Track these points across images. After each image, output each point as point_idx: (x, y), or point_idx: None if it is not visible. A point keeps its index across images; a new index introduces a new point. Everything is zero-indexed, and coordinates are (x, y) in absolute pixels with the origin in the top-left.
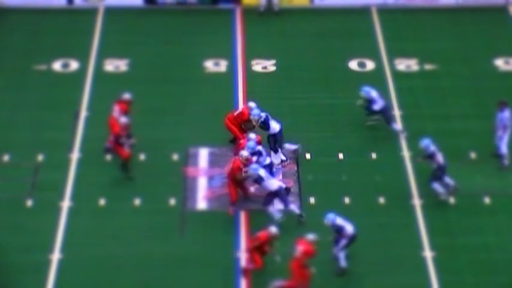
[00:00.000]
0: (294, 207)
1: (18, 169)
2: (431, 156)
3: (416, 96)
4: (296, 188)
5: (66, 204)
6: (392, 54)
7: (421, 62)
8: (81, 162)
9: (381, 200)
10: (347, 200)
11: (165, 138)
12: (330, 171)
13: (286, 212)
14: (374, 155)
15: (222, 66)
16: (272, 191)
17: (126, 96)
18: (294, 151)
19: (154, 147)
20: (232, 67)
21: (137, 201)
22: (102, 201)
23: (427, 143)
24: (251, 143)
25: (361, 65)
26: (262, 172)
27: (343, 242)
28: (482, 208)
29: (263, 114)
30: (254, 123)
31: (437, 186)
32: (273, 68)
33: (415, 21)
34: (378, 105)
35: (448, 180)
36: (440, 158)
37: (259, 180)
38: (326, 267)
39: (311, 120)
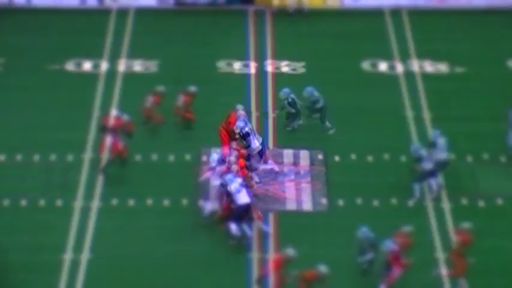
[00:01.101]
0: (233, 228)
1: (31, 169)
2: (432, 145)
3: (446, 98)
4: (324, 190)
5: (79, 204)
6: (422, 56)
7: (451, 64)
8: (94, 163)
9: (410, 202)
10: (376, 202)
11: (196, 137)
12: (358, 173)
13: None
14: (403, 158)
15: (251, 67)
16: (239, 205)
17: (160, 88)
18: (271, 170)
19: (187, 148)
20: (261, 68)
21: (150, 201)
22: (114, 201)
23: (436, 134)
24: (214, 156)
25: (391, 67)
26: (234, 186)
27: (370, 255)
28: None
29: (246, 128)
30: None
31: (416, 188)
32: (302, 70)
33: (445, 23)
34: (319, 104)
35: (433, 183)
36: (440, 154)
37: (228, 193)
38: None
39: (340, 122)
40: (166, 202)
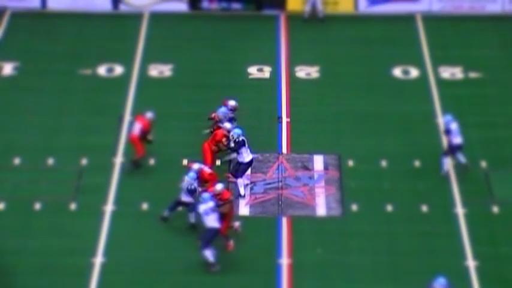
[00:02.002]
0: (208, 254)
1: (62, 172)
2: (447, 132)
3: (461, 104)
4: (338, 195)
5: (109, 208)
6: (437, 62)
7: (466, 69)
8: (125, 167)
9: (424, 208)
10: (390, 208)
11: None
12: (372, 179)
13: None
14: (417, 163)
15: (266, 72)
16: (207, 229)
17: (149, 114)
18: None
19: (199, 152)
20: (276, 73)
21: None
22: (145, 206)
23: (448, 119)
24: (191, 174)
25: (405, 72)
26: (204, 208)
27: None
28: None
29: (241, 138)
30: (224, 142)
31: (444, 162)
32: (316, 75)
33: (460, 28)
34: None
35: (461, 158)
36: (455, 139)
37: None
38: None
39: (354, 127)
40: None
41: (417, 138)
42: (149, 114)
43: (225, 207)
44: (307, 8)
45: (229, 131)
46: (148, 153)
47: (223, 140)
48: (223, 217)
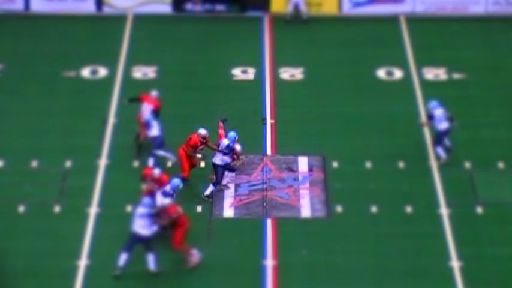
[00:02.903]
0: (121, 259)
1: (46, 175)
2: (430, 118)
3: (445, 105)
4: (323, 197)
5: (93, 210)
6: (421, 63)
7: (450, 71)
8: (109, 169)
9: (408, 209)
10: (374, 209)
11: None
12: (357, 180)
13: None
14: (402, 164)
15: (250, 74)
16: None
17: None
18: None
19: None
20: (260, 75)
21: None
22: (129, 208)
23: (433, 105)
24: (175, 181)
25: (389, 73)
26: (140, 210)
27: None
28: (510, 218)
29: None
30: (199, 147)
31: (439, 151)
32: (300, 76)
33: (444, 30)
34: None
35: (446, 141)
36: (441, 125)
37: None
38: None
39: (338, 129)
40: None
41: (401, 139)
42: (154, 93)
43: (163, 220)
44: (289, 10)
45: (204, 137)
46: (133, 155)
47: (199, 144)
48: (171, 230)
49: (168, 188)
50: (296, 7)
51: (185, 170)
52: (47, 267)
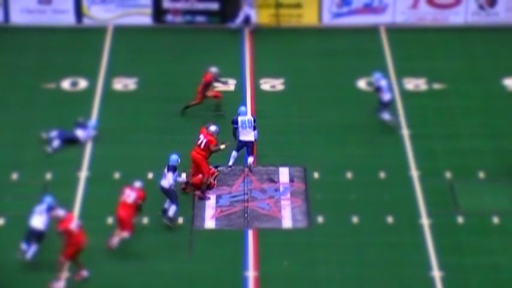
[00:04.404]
0: (22, 248)
1: (27, 187)
2: (378, 89)
3: (425, 115)
4: (304, 207)
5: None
6: (401, 74)
7: (430, 81)
8: (89, 181)
9: (390, 219)
10: (355, 219)
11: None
12: (338, 190)
13: None
14: (382, 174)
15: (231, 85)
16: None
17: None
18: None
19: (159, 166)
20: (240, 86)
21: (145, 220)
22: (110, 220)
23: (377, 77)
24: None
25: (370, 84)
26: (38, 207)
27: None
28: (492, 228)
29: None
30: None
31: (384, 115)
32: (281, 87)
33: (424, 40)
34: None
35: (387, 115)
36: (385, 95)
37: None
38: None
39: (319, 139)
40: (162, 221)
41: (382, 150)
42: (214, 69)
43: (58, 230)
44: (238, 20)
45: (214, 133)
46: (114, 167)
47: (214, 139)
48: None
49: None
50: (247, 19)
51: (206, 172)
52: (28, 281)
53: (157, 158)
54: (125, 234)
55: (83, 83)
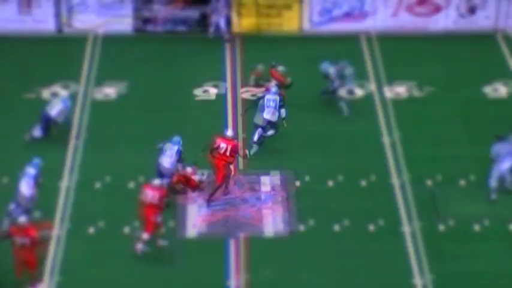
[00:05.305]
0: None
1: (7, 196)
2: (325, 76)
3: (406, 122)
4: (286, 215)
5: (56, 231)
6: (382, 81)
7: (411, 88)
8: (71, 190)
9: (371, 227)
10: (337, 227)
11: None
12: (320, 198)
13: None
14: (364, 182)
15: (212, 93)
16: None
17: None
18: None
19: (145, 174)
20: (222, 94)
21: (127, 229)
22: (92, 229)
23: (326, 65)
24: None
25: (351, 91)
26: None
27: None
28: (473, 235)
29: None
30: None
31: (341, 105)
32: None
33: (405, 47)
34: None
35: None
36: (334, 83)
37: None
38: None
39: (301, 147)
40: (135, 229)
41: (364, 157)
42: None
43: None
44: (211, 29)
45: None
46: (97, 176)
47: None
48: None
49: (174, 148)
50: (217, 27)
51: (219, 179)
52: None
53: (140, 167)
54: (145, 235)
55: (63, 93)
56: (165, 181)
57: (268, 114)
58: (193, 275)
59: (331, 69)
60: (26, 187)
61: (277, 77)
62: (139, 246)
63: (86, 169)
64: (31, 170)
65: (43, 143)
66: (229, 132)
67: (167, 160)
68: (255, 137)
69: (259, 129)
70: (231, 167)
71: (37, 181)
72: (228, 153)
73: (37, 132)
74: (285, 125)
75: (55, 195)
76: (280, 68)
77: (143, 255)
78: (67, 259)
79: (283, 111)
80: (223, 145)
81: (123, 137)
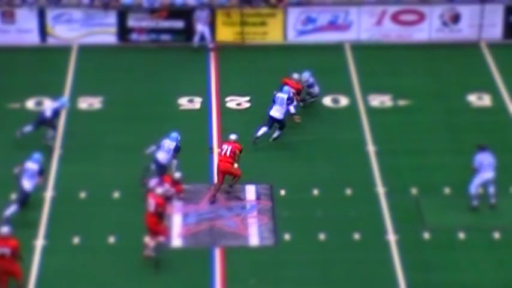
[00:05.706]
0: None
1: None
2: (309, 86)
3: (391, 131)
4: (271, 225)
5: (40, 242)
6: (366, 90)
7: (395, 97)
8: (55, 201)
9: (356, 236)
10: (322, 236)
11: (140, 175)
12: (304, 208)
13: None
14: (349, 191)
15: (196, 103)
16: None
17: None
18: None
19: (129, 185)
20: (206, 104)
21: (112, 239)
22: (76, 240)
23: (307, 75)
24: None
25: (335, 101)
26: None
27: None
28: (457, 244)
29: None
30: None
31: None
32: (247, 105)
33: (389, 57)
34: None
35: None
36: (314, 89)
37: None
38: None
39: (285, 157)
40: (128, 239)
41: (348, 166)
42: (296, 76)
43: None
44: (195, 39)
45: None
46: (79, 187)
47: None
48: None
49: (172, 144)
50: (202, 36)
51: (237, 172)
52: None
53: (123, 177)
54: (161, 238)
55: (47, 103)
56: (166, 189)
57: (276, 112)
58: (178, 285)
59: (311, 78)
60: (28, 183)
61: (293, 85)
62: (148, 251)
63: (68, 179)
64: (33, 165)
65: (27, 153)
66: (233, 136)
67: (163, 156)
68: (259, 133)
69: (264, 128)
70: (236, 165)
71: (42, 173)
72: (228, 154)
73: (28, 128)
74: (298, 120)
75: (38, 206)
76: (295, 76)
77: (128, 266)
78: (49, 271)
79: (291, 107)
80: (224, 146)
81: (106, 147)
